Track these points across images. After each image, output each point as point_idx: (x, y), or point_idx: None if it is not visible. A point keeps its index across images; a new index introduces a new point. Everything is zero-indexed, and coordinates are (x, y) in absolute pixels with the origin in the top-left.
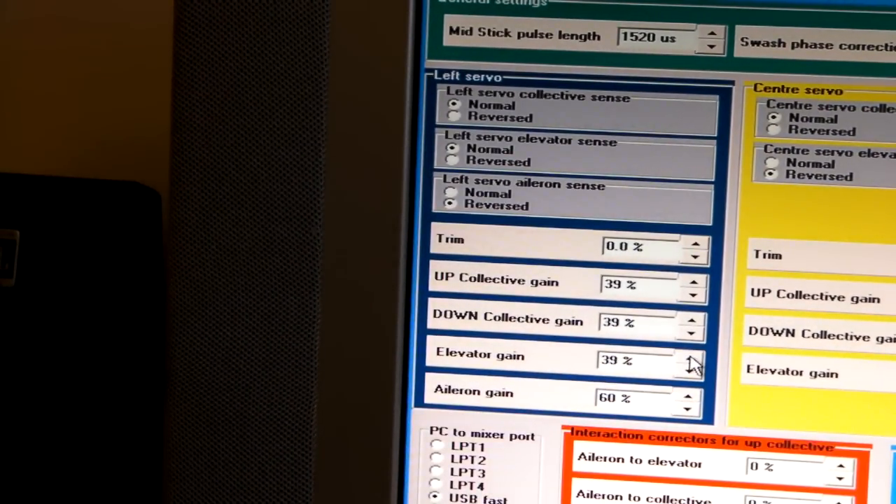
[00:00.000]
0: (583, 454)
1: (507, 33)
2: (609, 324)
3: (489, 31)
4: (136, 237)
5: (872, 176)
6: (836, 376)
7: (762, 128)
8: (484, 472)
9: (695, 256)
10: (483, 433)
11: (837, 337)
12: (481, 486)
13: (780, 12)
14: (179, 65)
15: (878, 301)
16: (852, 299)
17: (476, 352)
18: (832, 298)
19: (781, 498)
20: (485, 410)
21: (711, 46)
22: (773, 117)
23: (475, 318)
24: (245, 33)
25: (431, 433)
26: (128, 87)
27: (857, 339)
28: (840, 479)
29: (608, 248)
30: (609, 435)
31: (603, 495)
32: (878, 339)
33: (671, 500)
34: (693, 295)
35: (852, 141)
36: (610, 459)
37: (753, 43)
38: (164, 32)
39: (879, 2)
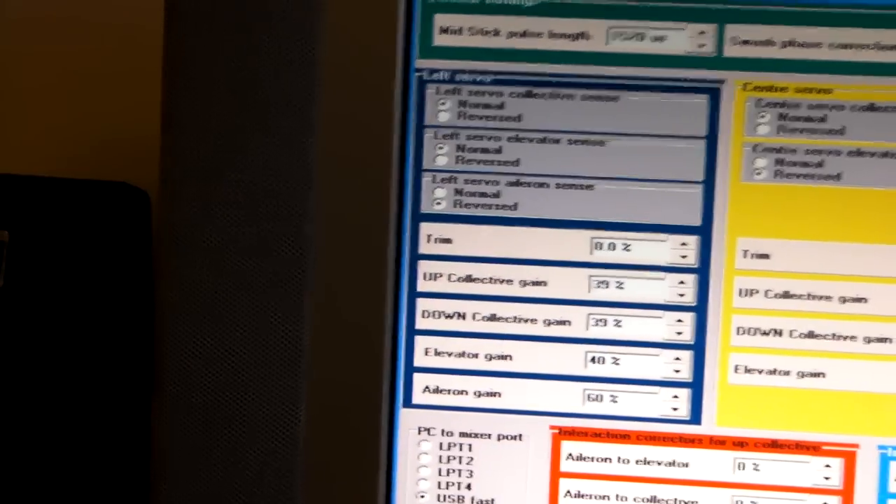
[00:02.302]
0: (570, 454)
1: (497, 33)
2: (597, 324)
3: (479, 30)
4: (125, 237)
5: (861, 175)
6: (824, 376)
7: (751, 127)
8: (472, 472)
9: (683, 256)
10: (471, 433)
11: (825, 337)
12: (469, 487)
13: (770, 11)
14: (169, 64)
15: (866, 301)
16: (840, 299)
17: (464, 352)
18: (820, 298)
19: (768, 498)
20: (473, 411)
21: (701, 46)
22: (763, 117)
23: (463, 318)
24: (236, 32)
25: (419, 434)
26: (117, 87)
27: (845, 339)
28: (827, 479)
29: (597, 248)
30: (597, 435)
31: (590, 495)
32: (865, 338)
33: (658, 501)
34: (681, 295)
35: (841, 140)
36: (597, 460)
37: (743, 42)
38: (154, 31)
39: (869, 1)
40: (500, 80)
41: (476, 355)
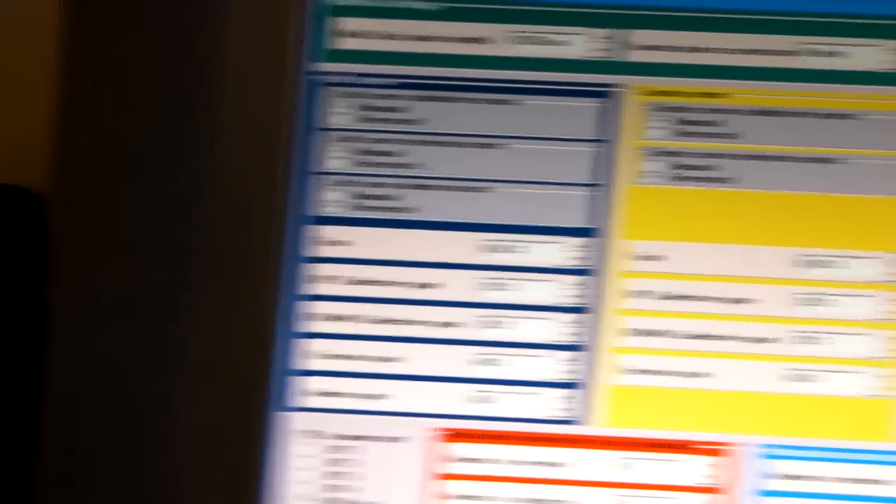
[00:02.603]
0: (457, 456)
1: (400, 37)
2: (488, 326)
3: (382, 34)
4: (19, 242)
5: (757, 179)
6: (711, 376)
7: (649, 131)
8: (357, 475)
9: (576, 259)
10: (357, 436)
11: (712, 338)
12: (355, 490)
13: (670, 17)
14: (64, 65)
15: (755, 302)
16: (729, 300)
17: (354, 355)
18: (710, 300)
19: (653, 497)
20: (360, 413)
21: (601, 50)
22: (661, 121)
23: (355, 321)
24: (135, 32)
25: (305, 437)
26: (7, 89)
27: (733, 339)
28: (710, 477)
29: (491, 250)
30: (484, 437)
31: (478, 497)
32: (752, 339)
33: (544, 502)
34: (573, 297)
35: (738, 144)
36: (484, 461)
37: (642, 47)
38: (46, 30)
39: (766, 7)
40: (402, 84)
41: (367, 358)
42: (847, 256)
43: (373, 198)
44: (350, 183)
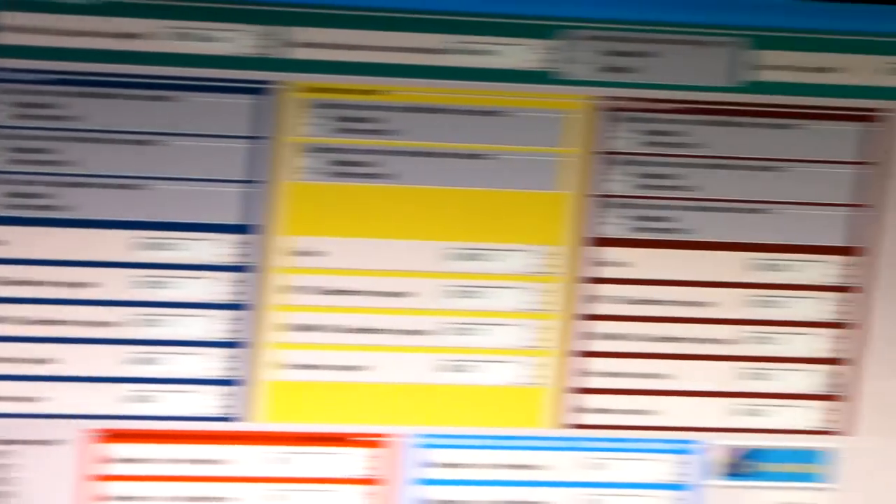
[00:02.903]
0: (114, 457)
1: (56, 32)
2: (144, 324)
3: (38, 28)
4: None
5: (412, 174)
6: (369, 369)
7: (307, 127)
8: (11, 480)
9: (234, 255)
10: (10, 440)
11: (371, 331)
12: (9, 496)
13: (330, 15)
14: None
15: (410, 295)
16: (387, 294)
17: (6, 357)
18: (368, 294)
19: (315, 491)
20: (13, 417)
21: (260, 47)
22: (319, 117)
23: (6, 322)
24: None
25: None
26: None
27: (390, 332)
28: (370, 468)
29: (148, 248)
30: (141, 437)
31: (136, 498)
32: (407, 331)
33: (204, 499)
34: (230, 294)
35: (394, 140)
36: (143, 461)
37: (301, 44)
38: None
39: (420, 6)
40: (57, 80)
41: (19, 360)
42: (496, 249)
43: (26, 196)
44: (10, 181)
